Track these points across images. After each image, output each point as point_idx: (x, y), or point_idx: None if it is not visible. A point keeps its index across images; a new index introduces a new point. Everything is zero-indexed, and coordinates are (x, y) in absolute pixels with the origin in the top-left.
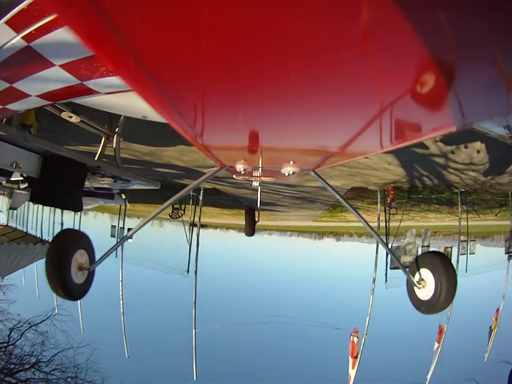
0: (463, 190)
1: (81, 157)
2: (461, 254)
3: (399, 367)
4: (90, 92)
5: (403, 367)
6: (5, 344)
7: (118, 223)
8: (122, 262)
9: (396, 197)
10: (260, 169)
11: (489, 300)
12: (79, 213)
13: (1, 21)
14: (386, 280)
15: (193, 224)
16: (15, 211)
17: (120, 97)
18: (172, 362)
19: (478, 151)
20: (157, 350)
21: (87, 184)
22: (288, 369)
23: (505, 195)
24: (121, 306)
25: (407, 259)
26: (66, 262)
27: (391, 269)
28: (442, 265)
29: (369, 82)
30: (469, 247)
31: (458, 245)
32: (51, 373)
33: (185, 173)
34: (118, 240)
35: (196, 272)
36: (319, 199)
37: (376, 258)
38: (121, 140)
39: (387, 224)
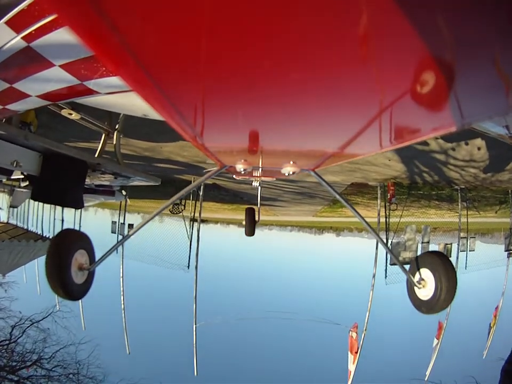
0: (463, 186)
1: (81, 154)
2: (461, 251)
3: (399, 362)
4: (90, 92)
5: (402, 362)
6: (7, 342)
7: (119, 219)
8: (123, 258)
9: (396, 193)
10: (260, 169)
11: (489, 297)
12: (80, 209)
13: (1, 21)
14: (386, 276)
15: (193, 219)
16: (15, 208)
17: (121, 97)
18: (173, 358)
19: (479, 148)
20: (158, 346)
21: (87, 181)
22: (288, 364)
23: (505, 192)
24: (122, 302)
25: (407, 255)
26: (67, 262)
27: (390, 264)
28: (443, 265)
29: (370, 83)
30: (468, 243)
31: (458, 242)
32: (53, 369)
33: (186, 168)
34: (119, 235)
35: (196, 267)
36: (319, 194)
37: (376, 254)
38: (121, 136)
39: (387, 220)
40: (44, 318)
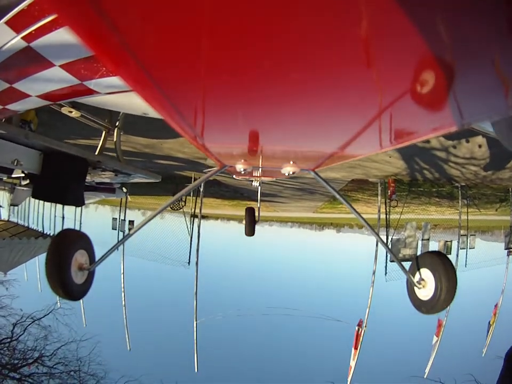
0: (463, 184)
1: (82, 152)
2: (461, 248)
3: (398, 359)
4: (90, 92)
5: (402, 359)
6: (8, 340)
7: (119, 216)
8: (123, 255)
9: (396, 190)
10: (260, 169)
11: (488, 294)
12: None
13: (1, 21)
14: (386, 273)
15: (194, 215)
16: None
17: (121, 96)
18: (173, 354)
19: (480, 146)
20: (158, 342)
21: (88, 178)
22: (288, 360)
23: (505, 190)
24: (123, 299)
25: (407, 252)
26: (67, 262)
27: (390, 261)
28: (443, 265)
29: (370, 83)
30: (468, 241)
31: (458, 239)
32: (54, 367)
33: (186, 165)
34: (119, 232)
35: (197, 263)
36: (319, 190)
37: (376, 250)
38: (121, 133)
39: (387, 216)
40: (45, 316)
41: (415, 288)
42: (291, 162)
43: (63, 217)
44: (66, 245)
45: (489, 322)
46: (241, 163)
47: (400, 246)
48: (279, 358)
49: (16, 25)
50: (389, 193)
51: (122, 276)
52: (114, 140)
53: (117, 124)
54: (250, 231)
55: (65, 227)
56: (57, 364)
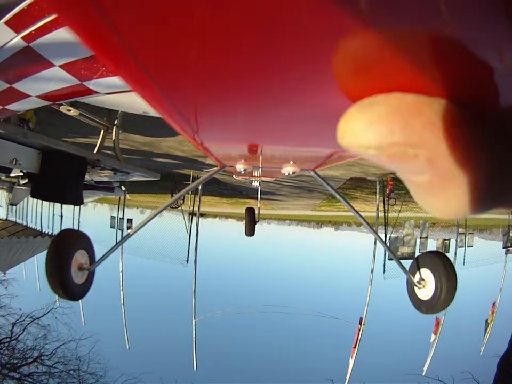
0: None
1: (81, 151)
2: (459, 247)
3: (397, 357)
4: (90, 92)
5: (400, 357)
6: (8, 339)
7: (118, 214)
8: (122, 253)
9: (395, 188)
10: (260, 169)
11: (486, 293)
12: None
13: (1, 21)
14: (384, 271)
15: (192, 214)
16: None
17: (121, 95)
18: (172, 352)
19: None
20: (157, 341)
21: (87, 177)
22: (287, 358)
23: None
24: (122, 297)
25: (405, 250)
26: (67, 263)
27: (389, 259)
28: (443, 265)
29: (370, 82)
30: (467, 239)
31: (457, 237)
32: (54, 366)
33: (185, 163)
34: (118, 230)
35: (195, 261)
36: (317, 188)
37: (375, 248)
38: (120, 131)
39: (385, 214)
40: (44, 315)
41: (415, 288)
42: (291, 162)
43: (61, 216)
44: (67, 245)
45: (487, 321)
46: (241, 163)
47: (399, 244)
48: (278, 355)
49: (16, 25)
50: (388, 192)
51: (121, 274)
52: (113, 138)
53: (115, 122)
54: (250, 231)
55: (64, 226)
56: (56, 363)
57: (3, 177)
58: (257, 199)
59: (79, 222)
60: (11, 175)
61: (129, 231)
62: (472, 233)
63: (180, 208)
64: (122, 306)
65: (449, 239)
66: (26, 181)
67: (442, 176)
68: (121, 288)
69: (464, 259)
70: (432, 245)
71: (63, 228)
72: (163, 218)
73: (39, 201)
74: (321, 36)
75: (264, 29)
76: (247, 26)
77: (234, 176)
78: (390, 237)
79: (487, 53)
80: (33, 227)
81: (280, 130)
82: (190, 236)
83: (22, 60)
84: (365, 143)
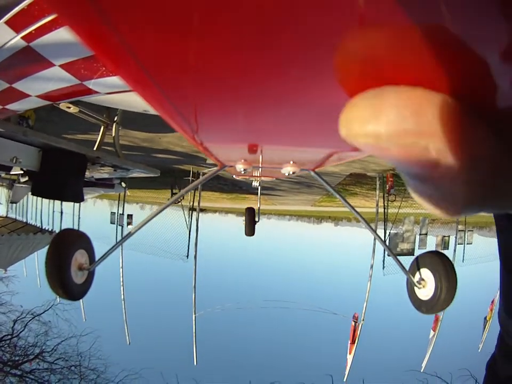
0: None
1: (81, 148)
2: (458, 244)
3: (395, 353)
4: (90, 92)
5: (399, 353)
6: (9, 337)
7: (118, 210)
8: (122, 249)
9: (394, 184)
10: (260, 169)
11: (485, 290)
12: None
13: (1, 21)
14: (383, 267)
15: (192, 209)
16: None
17: (121, 94)
18: (173, 347)
19: None
20: (158, 336)
21: (87, 174)
22: (286, 353)
23: None
24: (122, 293)
25: (404, 246)
26: (66, 262)
27: (388, 255)
28: (443, 265)
29: (373, 80)
30: (466, 236)
31: (456, 234)
32: (55, 362)
33: (185, 159)
34: (118, 226)
35: (195, 257)
36: (317, 184)
37: (374, 244)
38: (120, 128)
39: (385, 210)
40: (45, 311)
41: (415, 288)
42: (291, 162)
43: (61, 212)
44: (66, 244)
45: (485, 318)
46: (241, 163)
47: (398, 241)
48: (277, 350)
49: (16, 25)
50: (387, 188)
51: (121, 270)
52: (113, 135)
53: (115, 118)
54: (250, 231)
55: (64, 222)
56: (58, 359)
57: (3, 175)
58: (257, 194)
59: (79, 218)
60: (11, 173)
61: (129, 226)
62: (472, 231)
63: (179, 203)
64: (123, 302)
65: (449, 236)
66: (26, 179)
67: (449, 174)
68: (122, 283)
69: (463, 256)
70: (431, 242)
71: (63, 224)
72: (163, 214)
73: (39, 198)
74: (322, 32)
75: (264, 27)
76: (246, 26)
77: (234, 176)
78: (389, 233)
79: (491, 50)
80: (33, 224)
81: (280, 130)
82: (190, 231)
83: (22, 59)
84: (375, 131)
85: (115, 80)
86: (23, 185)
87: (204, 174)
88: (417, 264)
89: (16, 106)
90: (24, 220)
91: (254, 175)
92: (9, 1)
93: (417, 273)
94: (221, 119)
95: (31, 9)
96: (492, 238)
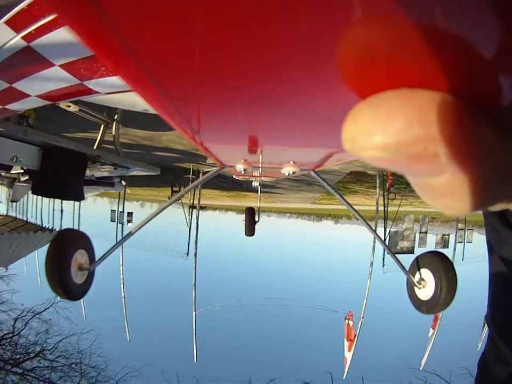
0: None
1: (81, 147)
2: (458, 242)
3: (395, 351)
4: (90, 91)
5: (398, 351)
6: (10, 335)
7: (118, 208)
8: (122, 246)
9: (394, 182)
10: (260, 169)
11: (485, 288)
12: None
13: (1, 21)
14: (383, 265)
15: (192, 207)
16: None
17: (122, 94)
18: (173, 345)
19: None
20: (158, 333)
21: (87, 173)
22: (286, 350)
23: None
24: (122, 291)
25: (404, 244)
26: (66, 263)
27: (387, 253)
28: (443, 265)
29: (371, 81)
30: (466, 235)
31: (456, 233)
32: (56, 360)
33: (185, 157)
34: (118, 223)
35: (195, 254)
36: (317, 182)
37: (374, 242)
38: (120, 126)
39: (385, 209)
40: (45, 309)
41: (415, 288)
42: (291, 162)
43: (61, 211)
44: (66, 245)
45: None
46: (241, 163)
47: (398, 239)
48: (277, 348)
49: (16, 25)
50: (387, 186)
51: (121, 267)
52: (113, 133)
53: (115, 117)
54: (250, 232)
55: (64, 220)
56: (58, 357)
57: (3, 173)
58: (257, 192)
59: (79, 216)
60: (11, 171)
61: (129, 224)
62: (472, 229)
63: (180, 201)
64: (123, 299)
65: (449, 234)
66: (27, 177)
67: (459, 174)
68: (122, 281)
69: (463, 255)
70: (431, 240)
71: (63, 222)
72: (163, 212)
73: (39, 196)
74: (322, 32)
75: (264, 27)
76: (246, 26)
77: (234, 176)
78: (389, 231)
79: (491, 49)
80: (33, 222)
81: (280, 130)
82: (190, 229)
83: (22, 59)
84: (383, 143)
85: (115, 80)
86: (24, 184)
87: (204, 172)
88: (417, 264)
89: (16, 106)
90: (25, 218)
91: (254, 175)
92: (9, 1)
93: (417, 273)
94: (221, 119)
95: (31, 9)
96: None
